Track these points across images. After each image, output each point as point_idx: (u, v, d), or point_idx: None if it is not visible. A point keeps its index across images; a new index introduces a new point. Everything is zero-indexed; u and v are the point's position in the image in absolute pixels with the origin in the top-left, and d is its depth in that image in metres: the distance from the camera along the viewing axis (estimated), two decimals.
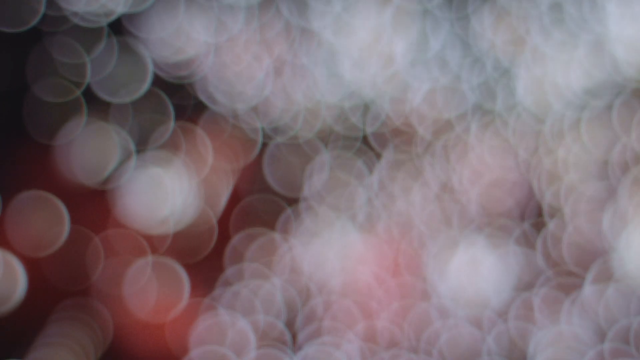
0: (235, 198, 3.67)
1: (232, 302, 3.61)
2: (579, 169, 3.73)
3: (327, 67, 3.69)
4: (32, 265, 3.52)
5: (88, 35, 3.56)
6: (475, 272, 3.72)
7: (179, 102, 3.65)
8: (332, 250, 3.68)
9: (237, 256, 3.65)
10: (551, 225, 3.72)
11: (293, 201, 3.69)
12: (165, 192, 3.62)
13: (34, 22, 3.52)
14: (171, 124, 3.64)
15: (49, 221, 3.53)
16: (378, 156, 3.70)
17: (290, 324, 3.61)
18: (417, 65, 3.70)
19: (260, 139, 3.67)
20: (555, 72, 3.75)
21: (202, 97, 3.65)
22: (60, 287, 3.54)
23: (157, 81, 3.63)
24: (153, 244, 3.59)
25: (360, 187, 3.69)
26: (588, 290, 3.68)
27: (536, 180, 3.73)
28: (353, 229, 3.69)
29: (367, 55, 3.70)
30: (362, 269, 3.69)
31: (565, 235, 3.72)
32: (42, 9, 3.52)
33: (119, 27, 3.60)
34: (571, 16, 3.74)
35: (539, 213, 3.74)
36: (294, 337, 3.61)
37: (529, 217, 3.73)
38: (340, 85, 3.69)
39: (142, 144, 3.61)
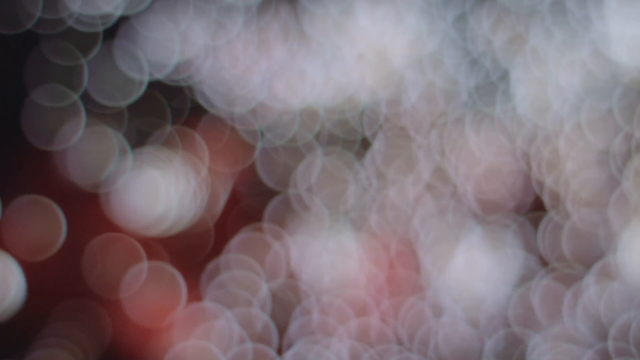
0: (233, 200, 3.67)
1: (220, 296, 3.61)
2: (579, 160, 3.71)
3: (324, 70, 3.68)
4: (30, 269, 3.54)
5: (85, 38, 3.56)
6: (472, 268, 3.71)
7: (177, 105, 3.64)
8: (327, 247, 3.67)
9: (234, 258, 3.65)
10: (550, 218, 3.71)
11: (289, 201, 3.68)
12: (162, 195, 3.62)
13: (30, 25, 3.52)
14: (169, 127, 3.63)
15: (46, 225, 3.54)
16: (373, 154, 3.69)
17: (280, 321, 3.62)
18: (413, 65, 3.69)
19: (258, 142, 3.67)
20: (555, 73, 3.73)
21: (200, 100, 3.65)
22: (58, 290, 3.55)
23: (155, 84, 3.62)
24: (150, 247, 3.59)
25: (355, 184, 3.68)
26: (588, 286, 3.67)
27: (534, 171, 3.72)
28: (348, 226, 3.68)
29: (364, 57, 3.68)
30: (355, 266, 3.68)
31: (565, 228, 3.70)
32: (38, 12, 3.51)
33: (116, 30, 3.60)
34: (572, 15, 3.71)
35: (537, 205, 3.72)
36: (282, 333, 3.61)
37: (527, 210, 3.72)
38: (338, 87, 3.68)
39: (139, 147, 3.61)
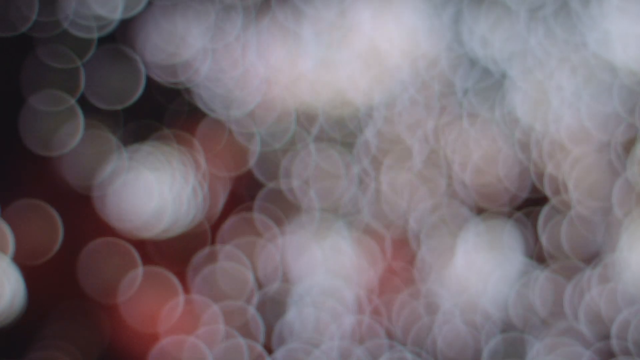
0: (231, 204, 3.67)
1: (209, 291, 3.61)
2: (579, 151, 3.69)
3: (322, 72, 3.67)
4: (28, 272, 3.55)
5: (82, 41, 3.56)
6: (469, 263, 3.69)
7: (175, 107, 3.64)
8: (321, 244, 3.66)
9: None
10: (549, 210, 3.68)
11: (284, 197, 3.67)
12: (160, 198, 3.62)
13: (26, 28, 3.53)
14: (166, 129, 3.64)
15: (44, 229, 3.55)
16: (369, 152, 3.68)
17: (272, 319, 3.61)
18: (410, 66, 3.68)
19: (256, 145, 3.66)
20: (555, 73, 3.71)
21: (198, 103, 3.65)
22: (55, 293, 3.56)
23: (153, 87, 3.62)
24: (147, 250, 3.60)
25: (350, 180, 3.67)
26: (589, 281, 3.64)
27: (532, 162, 3.69)
28: (342, 223, 3.67)
29: (361, 59, 3.68)
30: (349, 263, 3.67)
31: (565, 220, 3.67)
32: (34, 15, 3.52)
33: (114, 33, 3.60)
34: (574, 14, 3.69)
35: (536, 197, 3.70)
36: (273, 331, 3.60)
37: (525, 202, 3.69)
38: (336, 89, 3.68)
39: (136, 150, 3.62)
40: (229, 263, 3.62)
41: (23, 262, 3.54)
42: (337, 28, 3.66)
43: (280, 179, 3.65)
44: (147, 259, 3.59)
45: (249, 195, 3.66)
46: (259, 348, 3.58)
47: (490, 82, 3.70)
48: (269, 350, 3.59)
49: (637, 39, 3.68)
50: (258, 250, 3.63)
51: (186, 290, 3.60)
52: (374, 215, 3.67)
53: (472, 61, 3.69)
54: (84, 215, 3.57)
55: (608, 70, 3.69)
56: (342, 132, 3.68)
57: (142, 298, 3.58)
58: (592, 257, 3.67)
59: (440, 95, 3.68)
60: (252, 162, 3.65)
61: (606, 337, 3.62)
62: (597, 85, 3.69)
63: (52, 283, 3.56)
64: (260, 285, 3.62)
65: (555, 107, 3.69)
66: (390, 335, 3.63)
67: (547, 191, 3.69)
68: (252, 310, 3.59)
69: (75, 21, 3.55)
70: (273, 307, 3.61)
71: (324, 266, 3.66)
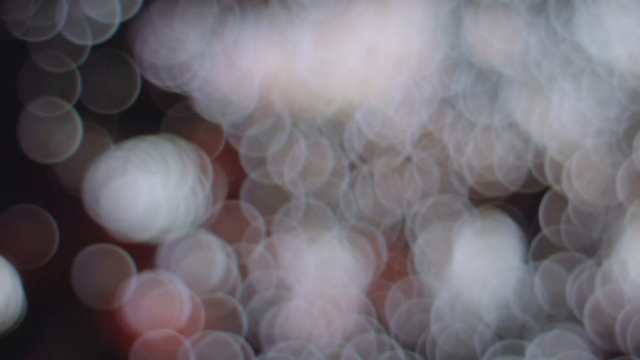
0: (228, 207, 3.68)
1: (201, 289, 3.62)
2: (580, 140, 3.68)
3: (319, 75, 3.67)
4: (26, 277, 3.57)
5: (78, 45, 3.57)
6: (466, 260, 3.69)
7: (172, 111, 3.65)
8: (314, 242, 3.67)
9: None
10: (549, 201, 3.68)
11: (279, 200, 3.68)
12: (156, 203, 3.63)
13: (20, 32, 3.54)
14: (164, 134, 3.64)
15: (40, 234, 3.57)
16: (365, 150, 3.69)
17: (262, 318, 3.62)
18: (407, 68, 3.67)
19: (253, 149, 3.67)
20: (555, 74, 3.70)
21: (196, 107, 3.65)
22: (52, 298, 3.58)
23: (150, 91, 3.63)
24: (144, 254, 3.61)
25: (343, 177, 3.67)
26: (590, 277, 3.64)
27: (531, 154, 3.69)
28: (336, 220, 3.68)
29: (359, 61, 3.67)
30: (342, 261, 3.68)
31: (565, 212, 3.67)
32: (29, 19, 3.53)
33: (111, 37, 3.60)
34: (577, 14, 3.68)
35: (535, 192, 3.70)
36: (264, 330, 3.62)
37: (524, 197, 3.69)
38: (333, 91, 3.67)
39: (134, 154, 3.62)
40: (222, 260, 3.63)
41: (20, 266, 3.56)
42: (334, 30, 3.65)
43: (274, 176, 3.66)
44: (144, 263, 3.61)
45: (245, 197, 3.67)
46: (248, 347, 3.59)
47: (489, 81, 3.69)
48: (258, 349, 3.60)
49: (637, 38, 3.67)
50: (250, 249, 3.64)
51: (181, 290, 3.62)
52: (368, 212, 3.67)
53: (470, 60, 3.68)
54: (80, 219, 3.58)
55: (608, 70, 3.67)
56: (338, 132, 3.68)
57: (139, 301, 3.60)
58: (592, 250, 3.66)
59: (438, 93, 3.68)
60: (249, 165, 3.66)
61: (607, 335, 3.62)
62: (598, 84, 3.68)
63: (49, 287, 3.57)
64: (252, 283, 3.63)
65: (555, 103, 3.69)
66: (383, 334, 3.63)
67: (548, 181, 3.68)
68: (240, 307, 3.60)
69: (70, 25, 3.55)
70: (263, 305, 3.62)
71: (316, 264, 3.66)
